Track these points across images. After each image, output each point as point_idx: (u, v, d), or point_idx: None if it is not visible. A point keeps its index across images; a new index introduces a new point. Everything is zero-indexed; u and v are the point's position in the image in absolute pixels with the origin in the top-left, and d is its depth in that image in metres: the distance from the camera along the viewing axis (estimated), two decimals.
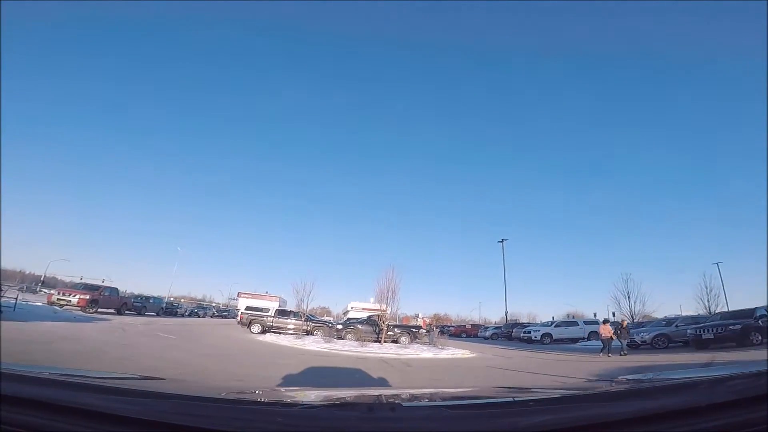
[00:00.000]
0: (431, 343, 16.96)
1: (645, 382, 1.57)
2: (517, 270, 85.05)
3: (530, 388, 2.20)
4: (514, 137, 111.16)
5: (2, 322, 9.61)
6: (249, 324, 22.22)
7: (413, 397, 1.66)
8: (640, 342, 15.57)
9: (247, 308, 24.64)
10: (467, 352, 14.63)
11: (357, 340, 17.20)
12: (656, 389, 1.14)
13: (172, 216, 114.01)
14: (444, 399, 1.67)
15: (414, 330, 19.12)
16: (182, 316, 42.22)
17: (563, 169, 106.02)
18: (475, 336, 37.54)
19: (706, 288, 26.55)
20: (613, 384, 1.84)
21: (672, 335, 15.17)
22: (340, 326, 19.63)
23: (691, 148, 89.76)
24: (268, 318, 21.97)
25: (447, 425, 0.85)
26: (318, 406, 1.04)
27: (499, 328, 35.70)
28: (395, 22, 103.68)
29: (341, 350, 13.63)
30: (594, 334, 26.33)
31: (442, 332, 43.96)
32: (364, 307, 53.68)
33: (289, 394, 1.76)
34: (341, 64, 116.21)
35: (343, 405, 1.13)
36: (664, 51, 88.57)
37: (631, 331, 17.20)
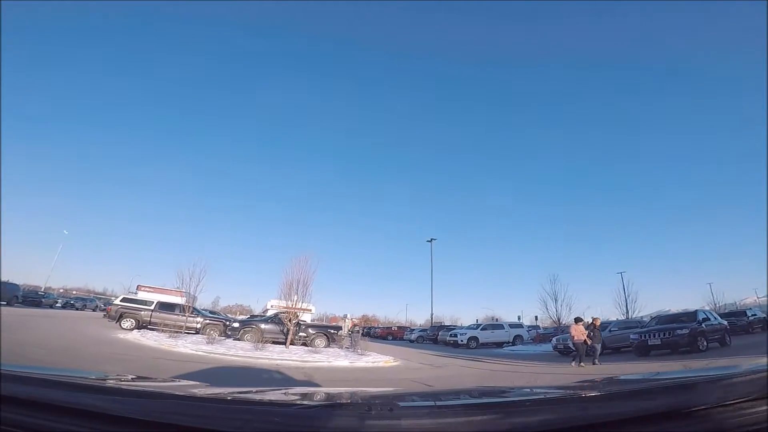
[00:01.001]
0: (352, 348, 14.02)
1: (644, 383, 1.47)
2: (440, 273, 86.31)
3: (528, 388, 2.28)
4: (440, 139, 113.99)
5: None
6: (119, 318, 17.31)
7: (411, 397, 1.63)
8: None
9: (123, 299, 19.46)
10: (390, 359, 11.97)
11: (257, 341, 13.66)
12: (655, 389, 1.02)
13: (64, 199, 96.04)
14: (442, 399, 1.57)
15: (332, 331, 16.00)
16: (50, 306, 34.54)
17: (490, 172, 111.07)
18: (402, 338, 35.74)
19: (625, 293, 27.43)
20: (611, 384, 1.67)
21: (606, 341, 14.18)
22: (236, 324, 15.75)
23: (616, 154, 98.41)
24: (145, 311, 17.27)
25: (445, 425, 0.83)
26: (315, 406, 1.03)
27: (425, 330, 34.27)
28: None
29: (223, 355, 10.07)
30: (519, 339, 25.74)
31: (367, 335, 41.62)
32: (298, 307, 49.47)
33: (286, 393, 1.70)
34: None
35: (340, 405, 1.13)
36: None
37: (564, 336, 16.11)
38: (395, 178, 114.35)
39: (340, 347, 14.53)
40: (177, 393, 1.17)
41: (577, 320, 11.66)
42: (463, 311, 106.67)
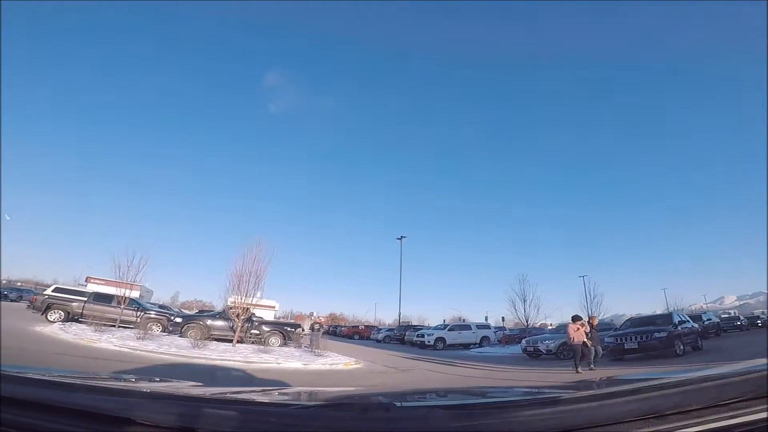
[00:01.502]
0: (310, 348, 12.71)
1: (642, 382, 1.35)
2: (410, 272, 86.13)
3: (525, 388, 2.22)
4: (414, 139, 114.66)
5: None
6: (45, 309, 15.16)
7: (408, 397, 1.62)
8: (545, 351, 13.86)
9: (55, 289, 17.18)
10: (351, 361, 10.82)
11: (201, 338, 12.15)
12: (654, 389, 0.95)
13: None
14: (439, 399, 1.62)
15: (289, 329, 14.61)
16: None
17: (461, 176, 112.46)
18: (368, 338, 34.69)
19: (590, 296, 27.50)
20: (610, 384, 1.66)
21: None
22: (179, 319, 14.08)
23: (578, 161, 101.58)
24: (77, 303, 15.21)
25: (442, 425, 0.83)
26: (312, 407, 1.02)
27: (392, 330, 33.35)
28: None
29: (151, 352, 8.60)
30: (486, 340, 25.26)
31: (333, 333, 40.12)
32: (249, 302, 46.79)
33: (282, 394, 1.74)
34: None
35: (337, 405, 1.15)
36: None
37: (534, 338, 15.58)
38: (369, 177, 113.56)
39: (298, 347, 13.23)
40: (174, 393, 1.15)
41: (575, 319, 9.64)
42: (431, 311, 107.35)
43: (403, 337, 28.41)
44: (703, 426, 0.76)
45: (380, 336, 32.01)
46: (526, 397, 1.38)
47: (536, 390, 1.77)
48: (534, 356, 14.34)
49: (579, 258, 76.93)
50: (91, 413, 0.78)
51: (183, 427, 0.74)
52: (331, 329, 44.21)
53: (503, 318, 34.75)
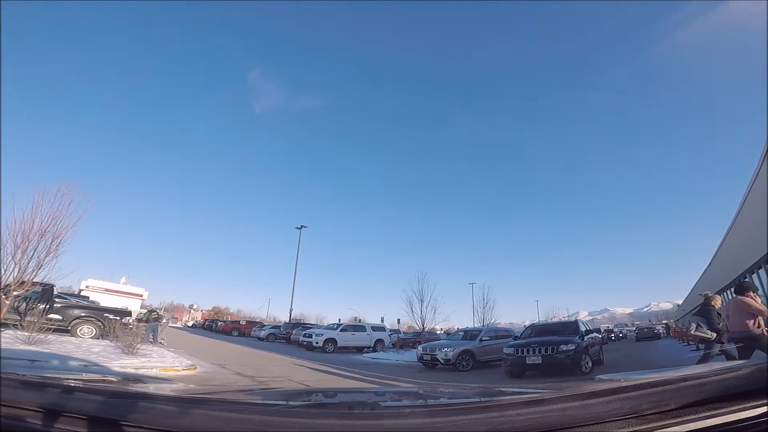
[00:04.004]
0: (129, 343, 8.81)
1: (622, 382, 1.27)
2: (310, 269, 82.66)
3: (513, 388, 2.20)
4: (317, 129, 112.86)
5: None
6: None
7: (393, 396, 1.62)
8: (442, 360, 12.04)
9: None
10: (182, 365, 7.47)
11: None
12: (634, 388, 0.92)
13: None
14: (425, 398, 1.60)
15: (111, 317, 10.35)
16: None
17: (363, 173, 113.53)
18: (249, 335, 30.36)
19: (483, 300, 27.92)
20: (601, 383, 1.56)
21: (477, 353, 12.42)
22: None
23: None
24: None
25: (427, 425, 0.82)
26: (296, 406, 1.01)
27: (278, 327, 29.66)
28: None
29: None
30: (380, 343, 23.39)
31: (209, 328, 34.33)
32: (109, 287, 37.93)
33: (268, 394, 1.72)
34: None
35: (322, 405, 1.17)
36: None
37: (432, 345, 13.94)
38: (272, 171, 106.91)
39: (113, 339, 9.19)
40: (159, 394, 1.15)
41: (745, 288, 5.59)
42: (330, 311, 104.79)
43: (289, 336, 25.15)
44: (681, 426, 0.76)
45: (262, 333, 28.10)
46: (509, 397, 1.39)
47: (525, 390, 1.73)
48: (430, 365, 12.63)
49: (472, 266, 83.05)
50: (91, 416, 0.78)
51: (167, 428, 0.74)
52: (207, 324, 38.43)
53: (399, 320, 33.91)
